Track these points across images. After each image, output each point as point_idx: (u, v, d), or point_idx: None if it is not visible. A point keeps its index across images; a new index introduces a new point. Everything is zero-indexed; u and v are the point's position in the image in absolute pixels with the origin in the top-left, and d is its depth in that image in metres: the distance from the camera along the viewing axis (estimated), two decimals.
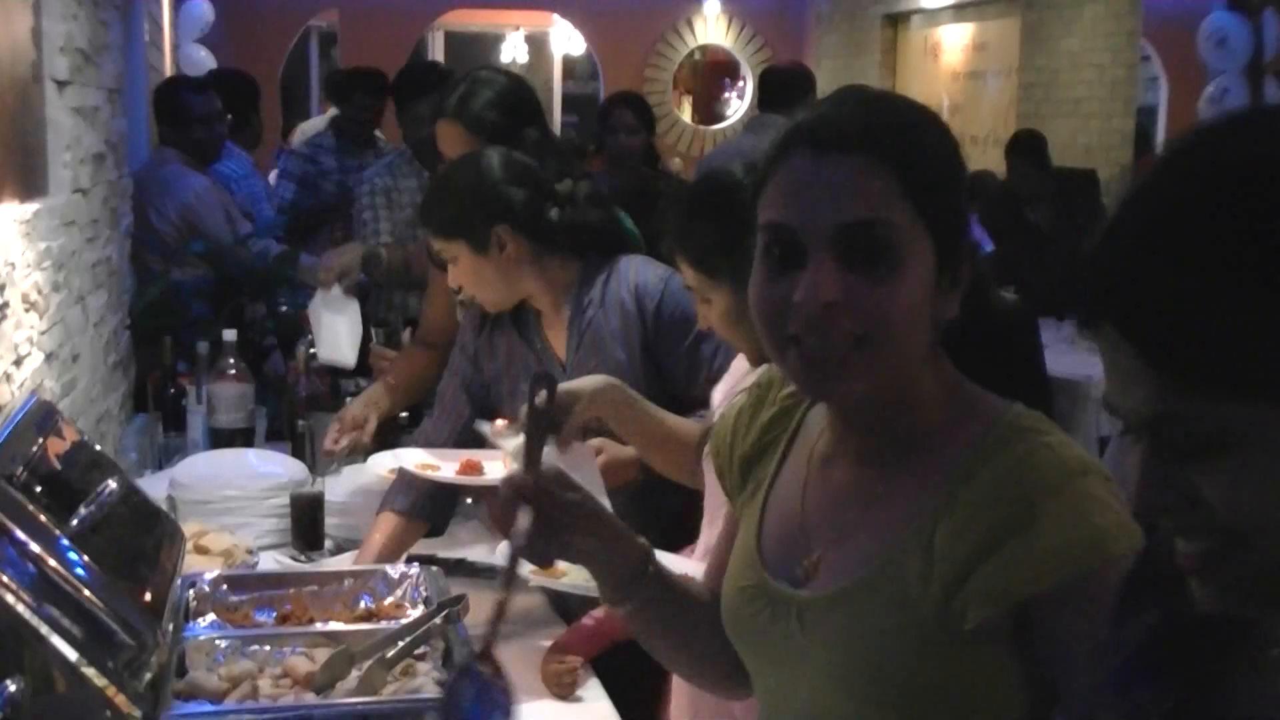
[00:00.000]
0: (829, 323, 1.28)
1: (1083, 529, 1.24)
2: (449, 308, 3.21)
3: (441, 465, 2.75)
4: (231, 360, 3.49)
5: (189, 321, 3.97)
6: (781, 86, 5.94)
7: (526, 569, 2.28)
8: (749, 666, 1.51)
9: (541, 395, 1.47)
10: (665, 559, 1.62)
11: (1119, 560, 1.22)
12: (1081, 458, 1.30)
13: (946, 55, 9.93)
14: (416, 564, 2.43)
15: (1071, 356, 4.91)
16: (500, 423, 2.57)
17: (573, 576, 2.31)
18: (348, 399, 3.60)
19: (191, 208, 4.67)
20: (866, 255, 1.28)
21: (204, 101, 4.96)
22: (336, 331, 3.62)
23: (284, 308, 4.12)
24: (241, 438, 3.49)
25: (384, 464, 2.79)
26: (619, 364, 2.59)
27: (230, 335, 3.51)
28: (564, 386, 2.20)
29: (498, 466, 2.64)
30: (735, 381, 2.29)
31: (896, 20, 10.59)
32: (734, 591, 1.49)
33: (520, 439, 1.53)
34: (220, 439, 3.45)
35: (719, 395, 2.36)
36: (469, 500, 3.34)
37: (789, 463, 1.51)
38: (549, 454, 2.51)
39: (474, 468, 2.73)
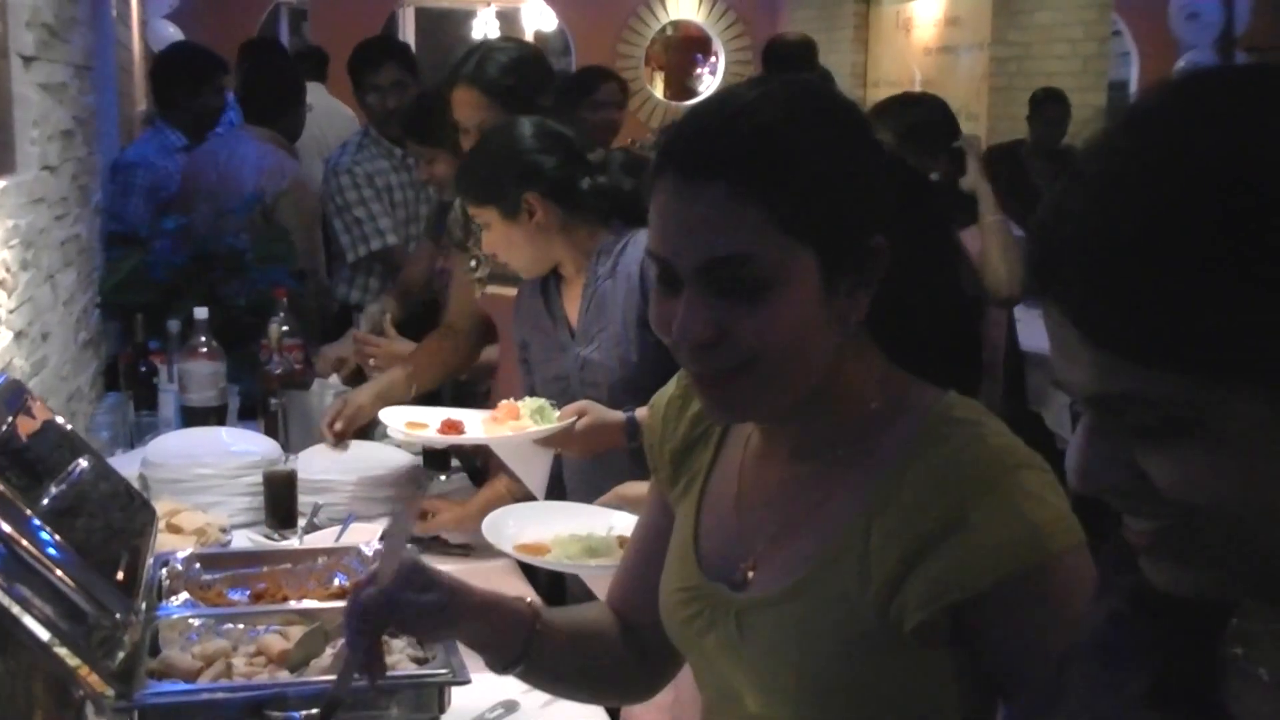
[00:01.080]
0: (707, 355, 1.27)
1: (1018, 526, 1.22)
2: (473, 295, 3.23)
3: (428, 424, 2.83)
4: (203, 338, 3.47)
5: (160, 299, 3.94)
6: (787, 59, 5.99)
7: (508, 545, 2.30)
8: (692, 667, 1.49)
9: (401, 513, 1.50)
10: None
11: (1058, 556, 1.22)
12: (1016, 449, 1.27)
13: (918, 30, 9.92)
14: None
15: (1038, 329, 4.91)
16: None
17: (555, 554, 2.32)
18: (317, 380, 3.59)
19: (183, 182, 4.66)
20: (736, 286, 1.25)
21: (206, 71, 4.94)
22: None
23: (258, 285, 4.09)
24: (214, 416, 3.47)
25: (390, 419, 2.87)
26: (617, 333, 2.61)
27: (202, 313, 3.49)
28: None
29: (476, 423, 2.75)
30: None
31: None
32: (671, 593, 1.47)
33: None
34: (193, 417, 3.43)
35: None
36: (455, 463, 3.36)
37: (723, 456, 1.48)
38: (515, 447, 2.55)
39: (454, 427, 2.78)
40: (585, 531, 2.34)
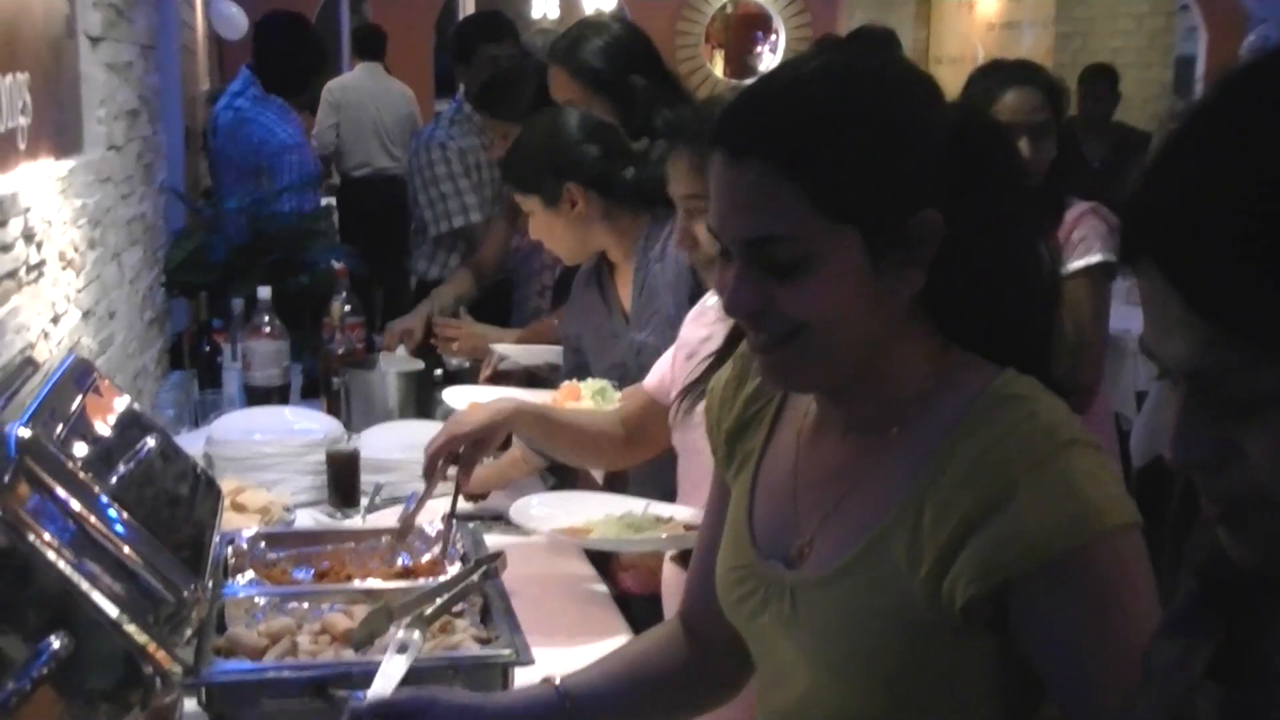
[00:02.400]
0: (756, 324, 1.30)
1: (1069, 502, 1.20)
2: (502, 248, 3.25)
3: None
4: (266, 317, 3.49)
5: (222, 277, 3.97)
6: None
7: (547, 527, 2.32)
8: (749, 646, 1.48)
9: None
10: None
11: (1110, 534, 1.20)
12: (1068, 427, 1.26)
13: (981, 6, 9.81)
14: (455, 521, 2.43)
15: (1110, 309, 4.85)
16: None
17: (599, 534, 2.32)
18: (380, 354, 3.60)
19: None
20: (776, 264, 1.27)
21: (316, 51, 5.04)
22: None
23: (319, 264, 4.11)
24: (277, 395, 3.49)
25: (453, 399, 2.89)
26: (668, 316, 2.61)
27: (265, 292, 3.51)
28: (463, 425, 2.29)
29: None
30: (700, 310, 2.35)
31: None
32: (726, 571, 1.47)
33: None
34: (256, 396, 3.46)
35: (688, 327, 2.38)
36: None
37: (778, 435, 1.48)
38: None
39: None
40: (622, 511, 2.37)
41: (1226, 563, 0.87)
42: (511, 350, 3.26)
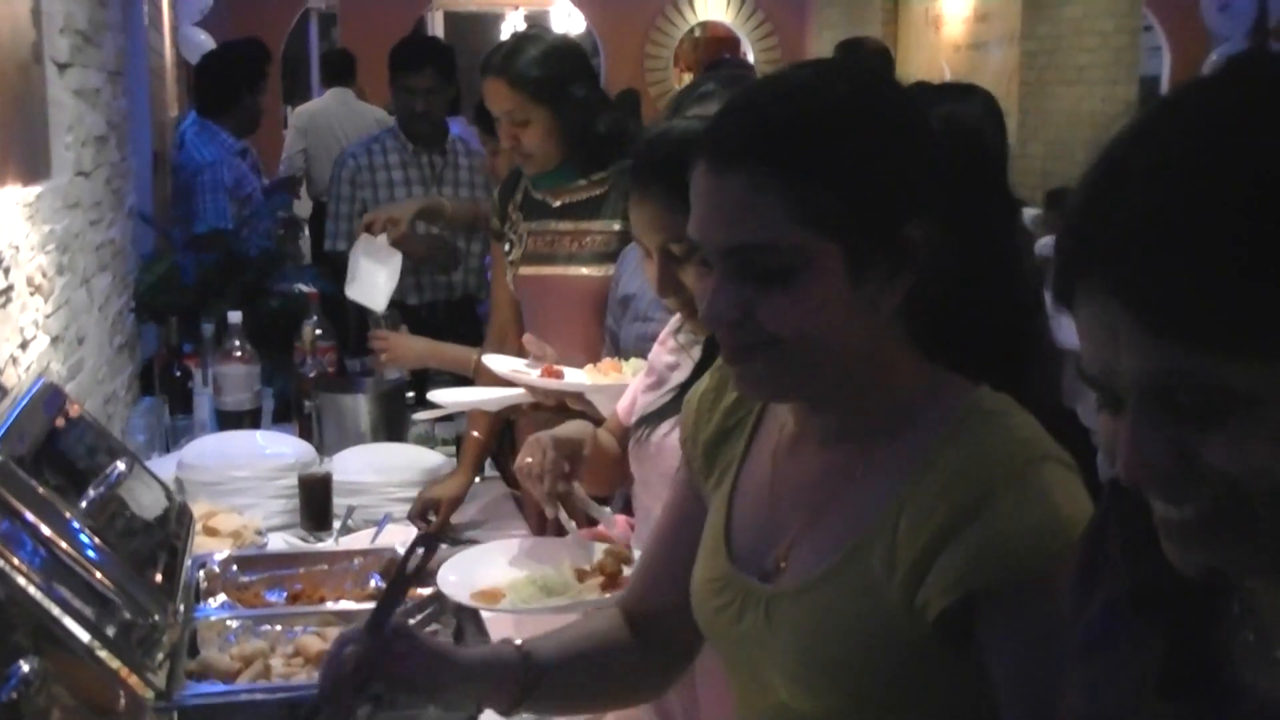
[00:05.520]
0: (735, 334, 1.29)
1: (1041, 517, 1.21)
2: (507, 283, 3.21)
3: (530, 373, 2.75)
4: (237, 341, 3.48)
5: (192, 302, 3.96)
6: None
7: (464, 595, 2.15)
8: (723, 657, 1.48)
9: (417, 555, 1.48)
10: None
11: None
12: (1042, 441, 1.26)
13: (948, 26, 9.88)
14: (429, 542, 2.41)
15: (1072, 326, 4.89)
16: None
17: (510, 599, 2.14)
18: (354, 377, 3.60)
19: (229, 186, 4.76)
20: (757, 274, 1.26)
21: (252, 72, 5.04)
22: (375, 277, 3.67)
23: (289, 287, 4.11)
24: (249, 419, 3.48)
25: (494, 364, 2.82)
26: None
27: (235, 316, 3.50)
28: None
29: (578, 372, 2.65)
30: (670, 331, 2.27)
31: None
32: (702, 584, 1.46)
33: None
34: (227, 420, 3.45)
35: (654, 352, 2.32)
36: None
37: (756, 445, 1.48)
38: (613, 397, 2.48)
39: (555, 374, 2.71)
40: (537, 573, 2.18)
41: (1161, 574, 0.87)
42: (448, 400, 2.96)
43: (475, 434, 3.07)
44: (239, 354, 3.48)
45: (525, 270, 3.10)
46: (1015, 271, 1.38)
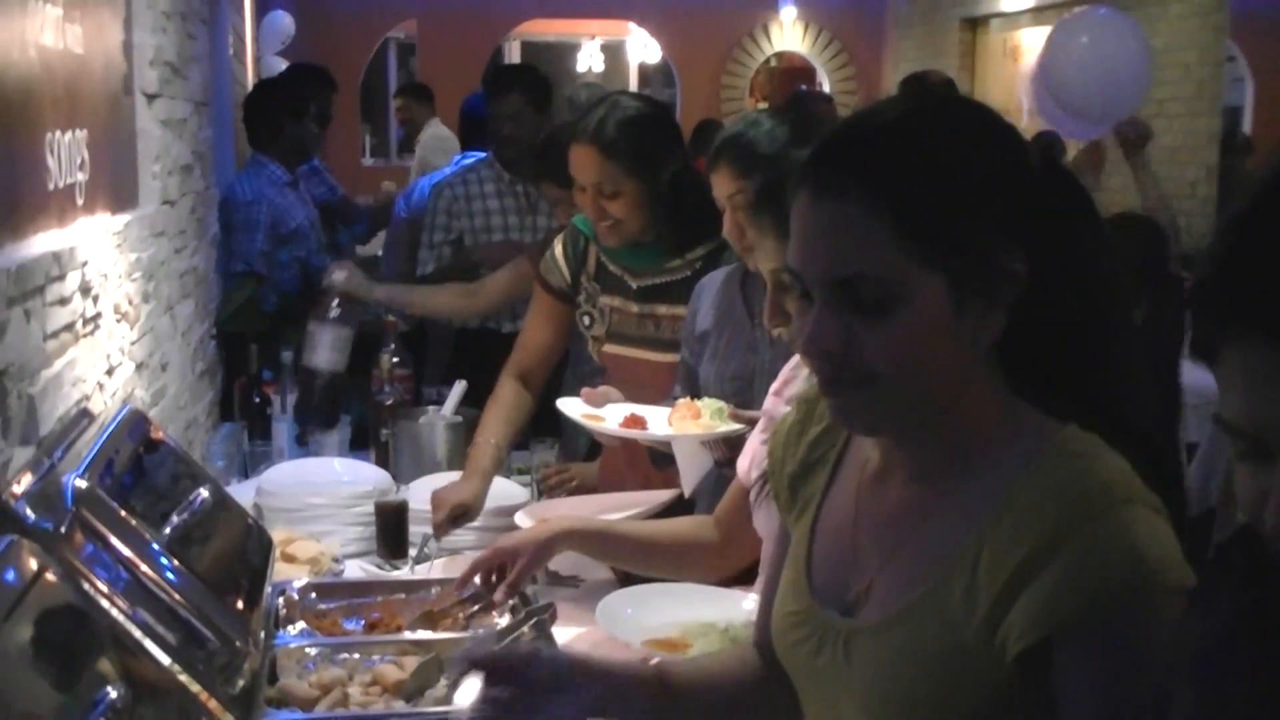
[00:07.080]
0: (833, 365, 1.29)
1: (1125, 559, 1.20)
2: (555, 334, 3.17)
3: (606, 418, 2.76)
4: None
5: (272, 328, 4.01)
6: None
7: (638, 639, 2.11)
8: (799, 692, 1.47)
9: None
10: None
11: (1159, 594, 1.19)
12: (1128, 484, 1.25)
13: (1026, 57, 9.81)
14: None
15: None
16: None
17: (698, 649, 2.07)
18: (429, 407, 3.61)
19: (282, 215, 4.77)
20: (860, 304, 1.26)
21: (297, 101, 5.07)
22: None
23: (368, 316, 4.15)
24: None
25: (570, 408, 2.82)
26: None
27: None
28: (510, 539, 2.33)
29: (660, 421, 2.63)
30: (784, 381, 2.25)
31: (975, 23, 10.48)
32: (782, 616, 1.47)
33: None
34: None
35: (769, 401, 2.28)
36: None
37: (839, 480, 1.48)
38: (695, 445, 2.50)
39: (637, 422, 2.71)
40: (722, 620, 2.15)
41: (1249, 541, 0.88)
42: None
43: (493, 441, 3.00)
44: None
45: (610, 349, 3.07)
46: (1108, 304, 1.37)
